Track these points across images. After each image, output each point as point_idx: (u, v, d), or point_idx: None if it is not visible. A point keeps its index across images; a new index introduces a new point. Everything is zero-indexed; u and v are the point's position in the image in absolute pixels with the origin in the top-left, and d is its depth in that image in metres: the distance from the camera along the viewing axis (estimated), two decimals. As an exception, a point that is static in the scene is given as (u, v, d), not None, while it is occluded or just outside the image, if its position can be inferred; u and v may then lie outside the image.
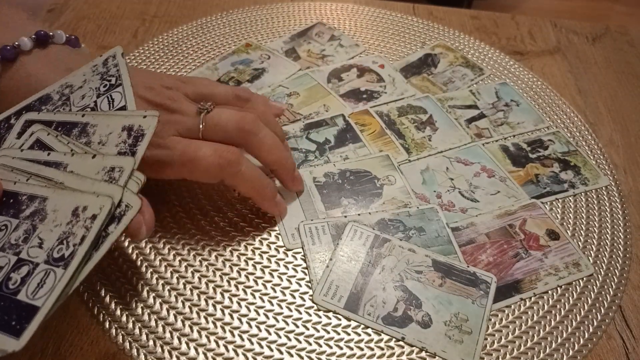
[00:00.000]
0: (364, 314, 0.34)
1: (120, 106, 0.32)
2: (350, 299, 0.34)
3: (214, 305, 0.34)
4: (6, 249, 0.26)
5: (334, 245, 0.37)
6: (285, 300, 0.35)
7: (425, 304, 0.34)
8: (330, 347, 0.33)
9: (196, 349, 0.32)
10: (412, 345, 0.33)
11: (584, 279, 0.37)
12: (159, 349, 0.32)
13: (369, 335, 0.33)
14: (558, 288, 0.37)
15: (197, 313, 0.34)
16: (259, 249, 0.37)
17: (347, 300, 0.34)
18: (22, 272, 0.25)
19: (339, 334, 0.33)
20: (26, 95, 0.34)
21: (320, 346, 0.33)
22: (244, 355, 0.32)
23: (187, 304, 0.34)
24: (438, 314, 0.34)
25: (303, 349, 0.32)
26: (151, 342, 0.32)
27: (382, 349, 0.33)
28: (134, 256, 0.36)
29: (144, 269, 0.36)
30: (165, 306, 0.34)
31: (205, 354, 0.32)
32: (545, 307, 0.36)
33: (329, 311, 0.34)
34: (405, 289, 0.35)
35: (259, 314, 0.34)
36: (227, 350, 0.32)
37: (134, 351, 0.32)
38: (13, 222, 0.27)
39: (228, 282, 0.35)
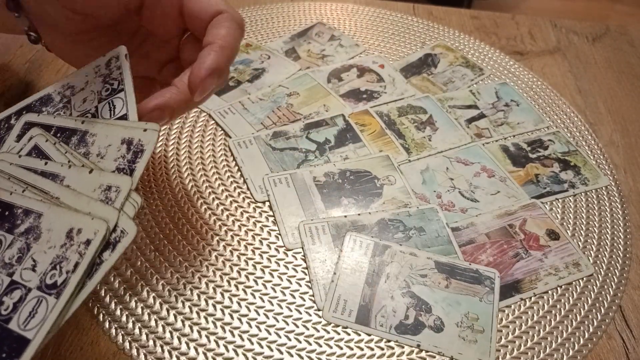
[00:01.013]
0: (376, 325, 0.33)
1: (121, 114, 0.30)
2: (360, 312, 0.34)
3: (214, 305, 0.34)
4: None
5: (334, 246, 0.37)
6: (285, 300, 0.35)
7: (434, 307, 0.34)
8: (330, 347, 0.33)
9: (196, 349, 0.32)
10: (428, 351, 0.33)
11: (584, 279, 0.37)
12: (159, 349, 0.32)
13: (369, 335, 0.33)
14: (558, 288, 0.37)
15: (197, 313, 0.34)
16: (259, 249, 0.37)
17: (357, 314, 0.34)
18: (15, 296, 0.25)
19: (338, 333, 0.33)
20: None
21: (320, 346, 0.33)
22: (244, 355, 0.32)
23: (187, 304, 0.34)
24: (448, 316, 0.34)
25: (303, 349, 0.32)
26: (151, 342, 0.32)
27: (382, 348, 0.33)
28: (134, 256, 0.36)
29: (144, 269, 0.36)
30: (165, 306, 0.34)
31: (205, 354, 0.32)
32: (545, 307, 0.36)
33: (337, 326, 0.34)
34: (413, 294, 0.35)
35: (258, 314, 0.34)
36: (227, 350, 0.32)
37: (134, 351, 0.32)
38: (8, 238, 0.27)
39: (228, 282, 0.35)
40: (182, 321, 0.33)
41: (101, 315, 0.33)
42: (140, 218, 0.38)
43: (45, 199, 0.28)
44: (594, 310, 0.36)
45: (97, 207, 0.26)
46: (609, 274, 0.38)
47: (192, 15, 0.33)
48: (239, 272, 0.36)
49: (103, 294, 0.34)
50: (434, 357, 0.33)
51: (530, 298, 0.36)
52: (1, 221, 0.27)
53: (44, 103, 0.33)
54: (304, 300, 0.35)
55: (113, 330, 0.32)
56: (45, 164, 0.29)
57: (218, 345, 0.32)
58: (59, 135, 0.31)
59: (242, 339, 0.33)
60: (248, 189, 0.41)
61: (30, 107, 0.33)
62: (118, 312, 0.33)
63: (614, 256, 0.39)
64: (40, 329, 0.23)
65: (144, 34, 0.37)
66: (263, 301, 0.35)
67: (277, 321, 0.34)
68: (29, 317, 0.24)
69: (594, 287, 0.37)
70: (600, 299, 0.36)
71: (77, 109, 0.32)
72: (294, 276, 0.36)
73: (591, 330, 0.35)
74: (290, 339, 0.33)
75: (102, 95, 0.32)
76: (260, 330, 0.33)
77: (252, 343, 0.33)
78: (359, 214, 0.39)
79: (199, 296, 0.35)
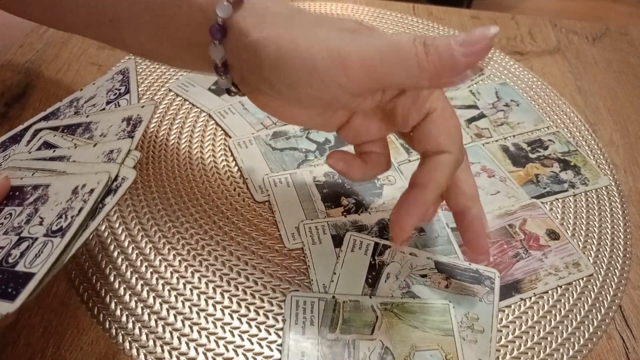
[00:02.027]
0: None
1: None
2: None
3: (213, 305, 0.34)
4: (9, 232, 0.27)
5: (334, 246, 0.37)
6: (285, 301, 0.35)
7: None
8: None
9: (196, 349, 0.32)
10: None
11: (584, 279, 0.37)
12: (159, 349, 0.32)
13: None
14: (558, 288, 0.37)
15: (197, 313, 0.34)
16: (259, 249, 0.37)
17: None
18: (22, 247, 0.26)
19: (339, 334, 0.33)
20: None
21: (320, 346, 0.33)
22: (244, 355, 0.32)
23: (187, 304, 0.34)
24: None
25: (303, 349, 0.32)
26: (151, 342, 0.32)
27: (382, 349, 0.33)
28: (134, 256, 0.36)
29: (143, 269, 0.36)
30: (165, 306, 0.34)
31: (205, 354, 0.32)
32: (545, 307, 0.36)
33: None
34: (414, 294, 0.35)
35: (258, 314, 0.34)
36: (227, 350, 0.32)
37: (134, 351, 0.32)
38: (17, 210, 0.28)
39: (228, 282, 0.35)
40: (182, 321, 0.33)
41: (101, 315, 0.33)
42: (140, 217, 0.38)
43: (53, 174, 0.29)
44: (594, 310, 0.36)
45: (101, 166, 0.28)
46: (609, 274, 0.38)
47: (422, 138, 0.29)
48: (238, 273, 0.36)
49: (103, 294, 0.34)
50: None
51: (530, 298, 0.36)
52: (12, 199, 0.29)
53: (55, 114, 0.35)
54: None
55: (113, 330, 0.32)
56: (53, 151, 0.31)
57: (218, 345, 0.32)
58: (65, 131, 0.33)
59: (242, 339, 0.33)
60: (248, 189, 0.41)
61: (44, 118, 0.36)
62: (118, 312, 0.33)
63: (614, 256, 0.39)
64: (44, 264, 0.24)
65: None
66: (263, 301, 0.35)
67: (277, 321, 0.34)
68: (35, 257, 0.25)
69: (594, 287, 0.37)
70: (600, 299, 0.36)
71: (86, 114, 0.34)
72: (294, 276, 0.36)
73: (591, 330, 0.35)
74: (290, 339, 0.33)
75: (109, 98, 0.34)
76: (260, 330, 0.33)
77: (252, 343, 0.33)
78: (359, 214, 0.39)
79: (199, 296, 0.35)
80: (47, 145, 0.32)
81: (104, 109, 0.34)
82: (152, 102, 0.32)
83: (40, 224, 0.27)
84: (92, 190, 0.26)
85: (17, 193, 0.29)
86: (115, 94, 0.34)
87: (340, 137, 0.33)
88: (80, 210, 0.26)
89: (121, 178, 0.27)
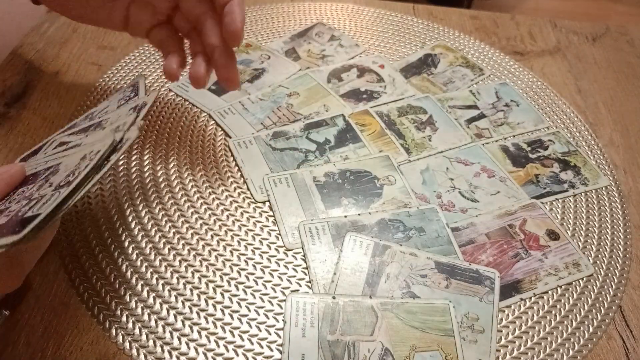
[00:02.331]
0: None
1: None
2: None
3: (214, 305, 0.34)
4: (21, 200, 0.29)
5: (334, 246, 0.37)
6: (285, 302, 0.35)
7: None
8: (330, 347, 0.33)
9: (196, 349, 0.32)
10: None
11: (584, 279, 0.37)
12: (159, 349, 0.32)
13: (369, 335, 0.33)
14: (558, 288, 0.37)
15: (197, 313, 0.34)
16: (259, 249, 0.37)
17: None
18: (31, 204, 0.27)
19: (339, 334, 0.33)
20: None
21: (320, 346, 0.33)
22: (244, 355, 0.32)
23: (187, 304, 0.34)
24: None
25: (303, 349, 0.32)
26: (151, 342, 0.32)
27: (382, 349, 0.33)
28: (134, 256, 0.36)
29: (144, 269, 0.36)
30: (165, 306, 0.34)
31: (205, 354, 0.32)
32: (545, 307, 0.36)
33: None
34: (413, 294, 0.35)
35: (258, 314, 0.34)
36: (227, 350, 0.32)
37: (134, 351, 0.32)
38: (30, 187, 0.30)
39: (228, 282, 0.35)
40: (182, 321, 0.33)
41: (101, 315, 0.33)
42: (141, 217, 0.38)
43: (64, 156, 0.32)
44: (594, 311, 0.36)
45: (107, 137, 0.30)
46: (609, 274, 0.38)
47: None
48: (238, 272, 0.36)
49: (103, 294, 0.34)
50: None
51: (530, 298, 0.36)
52: (26, 183, 0.31)
53: (71, 128, 0.37)
54: (304, 300, 0.35)
55: (113, 330, 0.32)
56: (67, 145, 0.34)
57: (218, 345, 0.32)
58: (78, 133, 0.35)
59: (242, 339, 0.33)
60: (248, 189, 0.41)
61: (62, 132, 0.38)
62: (118, 312, 0.33)
63: (614, 256, 0.39)
64: (50, 205, 0.25)
65: None
66: (263, 301, 0.35)
67: (277, 321, 0.34)
68: (43, 205, 0.26)
69: (594, 287, 0.37)
70: (600, 299, 0.36)
71: (99, 117, 0.37)
72: (294, 276, 0.36)
73: (591, 330, 0.35)
74: (290, 339, 0.33)
75: (120, 103, 0.37)
76: (260, 330, 0.33)
77: (252, 343, 0.33)
78: (359, 214, 0.39)
79: (199, 296, 0.35)
80: (62, 144, 0.34)
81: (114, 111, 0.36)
82: (155, 90, 0.34)
83: (50, 185, 0.28)
84: (98, 152, 0.29)
85: (31, 177, 0.31)
86: (125, 99, 0.37)
87: (135, 36, 0.41)
88: (86, 167, 0.28)
89: (125, 139, 0.29)
